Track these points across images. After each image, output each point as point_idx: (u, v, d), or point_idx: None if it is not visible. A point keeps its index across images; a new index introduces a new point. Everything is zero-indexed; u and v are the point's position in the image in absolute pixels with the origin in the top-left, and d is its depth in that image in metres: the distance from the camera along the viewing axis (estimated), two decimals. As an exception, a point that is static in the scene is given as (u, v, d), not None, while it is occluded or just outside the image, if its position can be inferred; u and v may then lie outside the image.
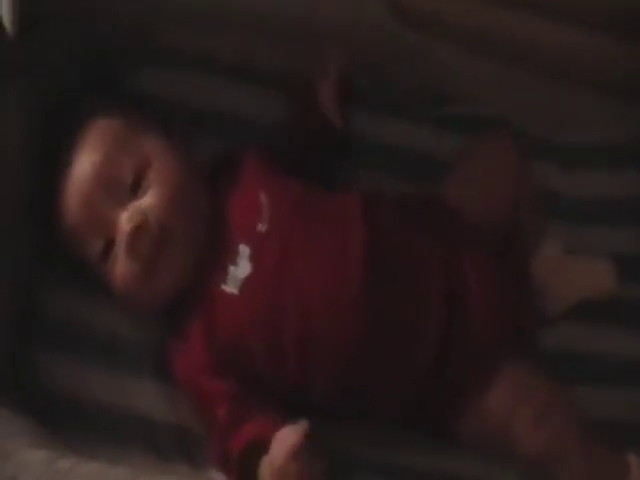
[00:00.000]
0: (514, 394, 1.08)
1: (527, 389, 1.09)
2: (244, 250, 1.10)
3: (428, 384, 1.09)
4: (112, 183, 1.09)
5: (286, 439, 0.99)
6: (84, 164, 1.09)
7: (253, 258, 1.09)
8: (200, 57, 1.30)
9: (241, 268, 1.09)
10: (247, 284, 1.08)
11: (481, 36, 1.30)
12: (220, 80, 1.29)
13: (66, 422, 1.07)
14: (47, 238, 1.13)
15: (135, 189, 1.09)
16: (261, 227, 1.10)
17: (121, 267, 1.09)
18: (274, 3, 1.28)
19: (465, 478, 1.10)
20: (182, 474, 1.00)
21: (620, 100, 1.31)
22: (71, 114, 1.14)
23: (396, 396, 1.10)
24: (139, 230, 1.07)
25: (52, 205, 1.11)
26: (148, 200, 1.09)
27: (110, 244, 1.09)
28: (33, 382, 1.09)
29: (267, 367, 1.08)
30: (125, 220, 1.07)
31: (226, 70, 1.30)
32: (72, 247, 1.11)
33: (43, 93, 1.17)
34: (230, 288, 1.09)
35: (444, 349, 1.09)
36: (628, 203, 1.29)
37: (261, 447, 1.02)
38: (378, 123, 1.29)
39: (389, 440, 1.12)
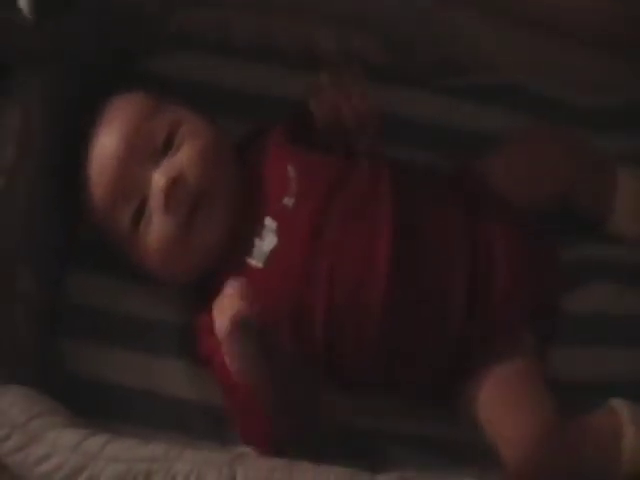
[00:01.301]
0: (512, 401, 1.07)
1: (527, 394, 1.07)
2: (271, 223, 1.09)
3: (453, 353, 1.08)
4: (142, 147, 1.08)
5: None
6: (111, 133, 1.09)
7: (279, 232, 1.08)
8: (219, 38, 1.29)
9: (267, 241, 1.08)
10: (272, 258, 1.07)
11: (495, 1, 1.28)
12: (240, 60, 1.28)
13: (93, 405, 1.07)
14: (73, 221, 1.13)
15: (167, 149, 1.09)
16: (288, 201, 1.09)
17: (157, 226, 1.08)
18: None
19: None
20: (213, 449, 1.00)
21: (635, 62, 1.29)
22: (95, 97, 1.14)
23: (424, 366, 1.09)
24: (175, 184, 1.06)
25: (80, 180, 1.10)
26: (181, 157, 1.08)
27: (143, 205, 1.08)
28: (58, 366, 1.10)
29: (293, 342, 1.07)
30: (158, 177, 1.07)
31: (246, 50, 1.29)
32: (101, 224, 1.10)
33: (66, 78, 1.17)
34: (255, 261, 1.08)
35: (467, 326, 1.08)
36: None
37: None
38: (394, 94, 1.27)
39: (417, 412, 1.12)
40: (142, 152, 1.08)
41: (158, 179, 1.07)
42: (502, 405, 1.07)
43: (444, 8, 1.29)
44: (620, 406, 1.07)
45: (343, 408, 1.11)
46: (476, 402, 1.07)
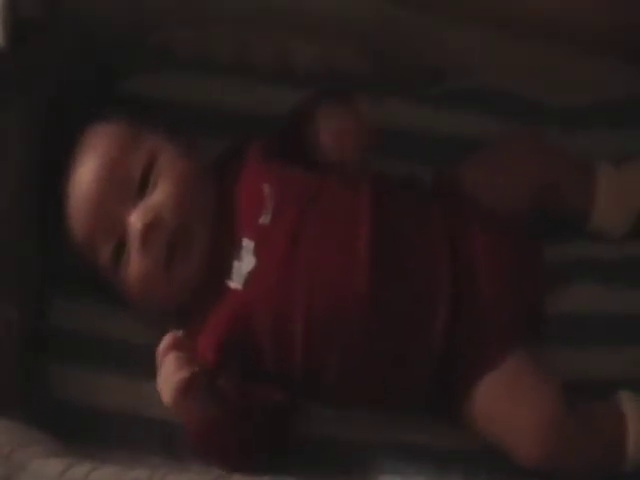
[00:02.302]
0: (514, 392, 1.08)
1: (527, 388, 1.08)
2: (248, 244, 1.09)
3: (436, 366, 1.08)
4: (119, 184, 1.09)
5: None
6: (89, 169, 1.10)
7: (257, 251, 1.09)
8: (200, 57, 1.30)
9: (245, 262, 1.09)
10: (251, 278, 1.08)
11: (476, 5, 1.28)
12: (221, 79, 1.30)
13: (80, 430, 1.09)
14: (56, 249, 1.14)
15: (143, 187, 1.10)
16: (264, 219, 1.10)
17: (135, 266, 1.09)
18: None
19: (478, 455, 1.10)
20: (195, 471, 1.00)
21: (615, 59, 1.28)
22: (72, 123, 1.15)
23: (406, 377, 1.10)
24: (151, 227, 1.07)
25: (60, 214, 1.11)
26: (157, 196, 1.09)
27: (121, 245, 1.09)
28: (45, 393, 1.11)
29: (275, 361, 1.08)
30: (135, 220, 1.08)
31: (225, 68, 1.30)
32: (83, 254, 1.11)
33: (43, 105, 1.18)
34: (235, 283, 1.09)
35: (453, 329, 1.08)
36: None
37: None
38: (378, 105, 1.27)
39: (402, 423, 1.12)
40: (118, 190, 1.09)
41: (135, 222, 1.08)
42: (507, 400, 1.07)
43: (425, 16, 1.29)
44: (622, 398, 1.09)
45: (326, 421, 1.12)
46: (475, 404, 1.08)
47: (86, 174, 1.10)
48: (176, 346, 1.06)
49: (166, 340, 1.06)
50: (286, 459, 1.08)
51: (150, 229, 1.07)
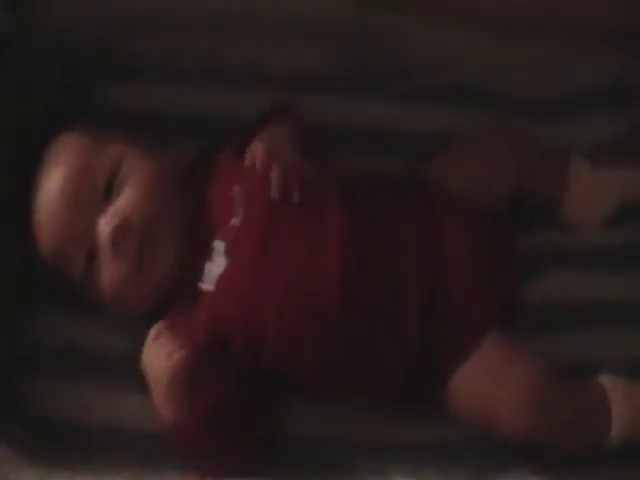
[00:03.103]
0: (494, 372, 1.07)
1: (507, 366, 1.07)
2: (219, 245, 1.09)
3: (413, 359, 1.08)
4: (85, 194, 1.09)
5: None
6: (53, 182, 1.09)
7: (228, 253, 1.08)
8: (168, 63, 1.30)
9: (216, 264, 1.08)
10: (222, 279, 1.07)
11: (444, 3, 1.28)
12: (191, 83, 1.30)
13: (55, 444, 1.07)
14: (28, 263, 1.13)
15: (109, 194, 1.09)
16: (235, 221, 1.09)
17: (108, 271, 1.08)
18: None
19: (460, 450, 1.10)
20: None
21: (590, 52, 1.30)
22: (39, 136, 1.14)
23: (384, 373, 1.09)
24: (120, 230, 1.07)
25: (28, 229, 1.10)
26: (123, 200, 1.09)
27: (93, 254, 1.08)
28: (20, 407, 1.10)
29: (249, 360, 1.07)
30: (104, 225, 1.07)
31: (194, 74, 1.30)
32: (55, 267, 1.10)
33: (9, 117, 1.17)
34: (206, 285, 1.08)
35: (427, 323, 1.07)
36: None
37: None
38: (347, 105, 1.28)
39: (385, 421, 1.12)
40: (85, 200, 1.08)
41: (103, 228, 1.07)
42: (487, 380, 1.07)
43: (393, 15, 1.29)
44: (602, 377, 1.09)
45: (309, 421, 1.11)
46: (456, 391, 1.07)
47: (51, 187, 1.09)
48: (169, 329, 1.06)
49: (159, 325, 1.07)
50: (269, 460, 1.07)
51: (119, 232, 1.07)
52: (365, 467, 1.07)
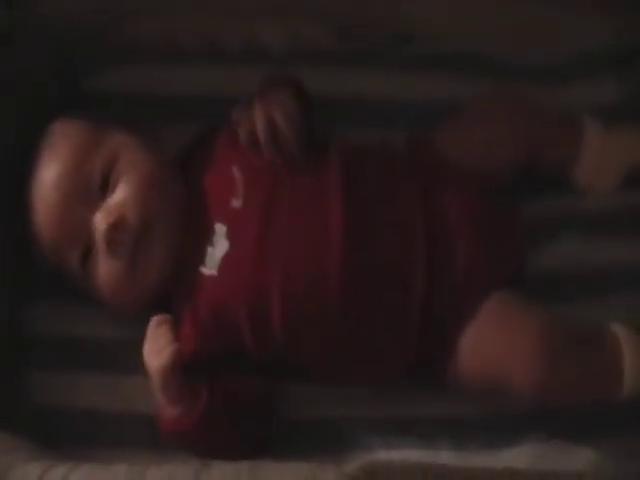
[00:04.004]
0: (503, 326, 1.06)
1: (516, 319, 1.06)
2: (220, 228, 1.08)
3: (419, 324, 1.07)
4: (81, 188, 1.08)
5: None
6: (50, 175, 1.09)
7: (230, 235, 1.07)
8: (167, 45, 1.29)
9: (218, 247, 1.07)
10: (225, 262, 1.06)
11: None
12: (189, 64, 1.28)
13: (63, 431, 1.08)
14: (25, 256, 1.13)
15: (105, 188, 1.08)
16: (236, 203, 1.08)
17: (103, 268, 1.08)
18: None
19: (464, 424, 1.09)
20: (177, 463, 0.99)
21: (590, 12, 1.26)
22: (36, 127, 1.13)
23: (391, 344, 1.08)
24: (114, 227, 1.06)
25: (25, 222, 1.10)
26: (118, 196, 1.08)
27: (89, 249, 1.08)
28: (24, 397, 1.10)
29: (255, 344, 1.06)
30: (99, 221, 1.07)
31: (194, 54, 1.29)
32: (51, 260, 1.10)
33: (7, 109, 1.17)
34: (209, 269, 1.07)
35: (429, 293, 1.06)
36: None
37: None
38: (347, 75, 1.27)
39: (386, 397, 1.11)
40: (80, 195, 1.08)
41: (99, 225, 1.06)
42: (495, 336, 1.06)
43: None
44: (618, 328, 1.07)
45: (309, 400, 1.10)
46: (463, 356, 1.06)
47: (47, 181, 1.09)
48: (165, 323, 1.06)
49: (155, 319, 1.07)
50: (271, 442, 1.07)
51: (114, 229, 1.06)
52: (375, 441, 1.07)
